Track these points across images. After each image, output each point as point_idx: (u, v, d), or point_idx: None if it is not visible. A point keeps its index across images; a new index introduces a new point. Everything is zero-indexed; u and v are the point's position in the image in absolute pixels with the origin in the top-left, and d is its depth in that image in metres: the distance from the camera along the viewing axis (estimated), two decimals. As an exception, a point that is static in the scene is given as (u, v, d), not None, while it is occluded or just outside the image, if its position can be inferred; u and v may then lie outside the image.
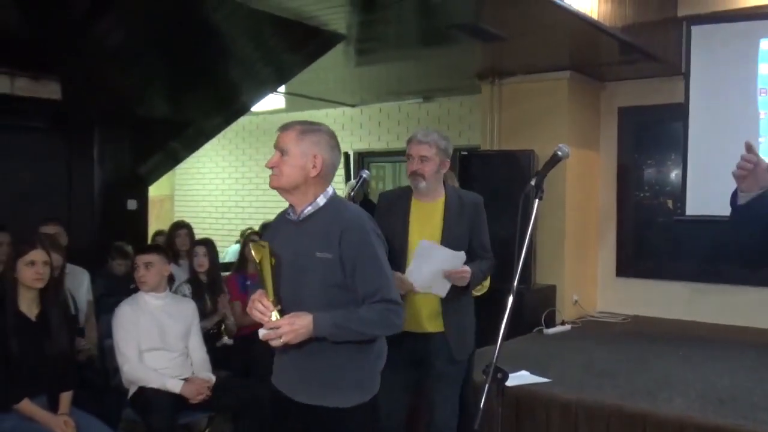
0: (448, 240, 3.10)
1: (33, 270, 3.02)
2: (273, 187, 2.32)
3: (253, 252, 2.22)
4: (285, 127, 2.34)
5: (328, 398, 2.27)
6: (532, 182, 2.20)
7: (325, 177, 2.32)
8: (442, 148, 3.11)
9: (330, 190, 2.35)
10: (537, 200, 2.19)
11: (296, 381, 2.32)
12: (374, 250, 2.27)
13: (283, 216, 2.42)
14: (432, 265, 3.01)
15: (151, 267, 3.60)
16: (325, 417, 2.28)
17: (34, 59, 4.73)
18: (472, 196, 3.26)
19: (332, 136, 2.35)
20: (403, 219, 3.14)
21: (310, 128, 2.32)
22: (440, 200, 3.16)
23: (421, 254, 3.01)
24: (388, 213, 3.18)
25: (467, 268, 3.04)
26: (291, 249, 2.29)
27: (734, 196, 2.10)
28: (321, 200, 2.32)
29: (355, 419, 2.28)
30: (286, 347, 2.22)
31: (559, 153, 2.27)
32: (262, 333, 2.19)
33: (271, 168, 2.30)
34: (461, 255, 3.04)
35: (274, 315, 2.18)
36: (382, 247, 2.32)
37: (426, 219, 3.15)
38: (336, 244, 2.23)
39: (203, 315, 4.16)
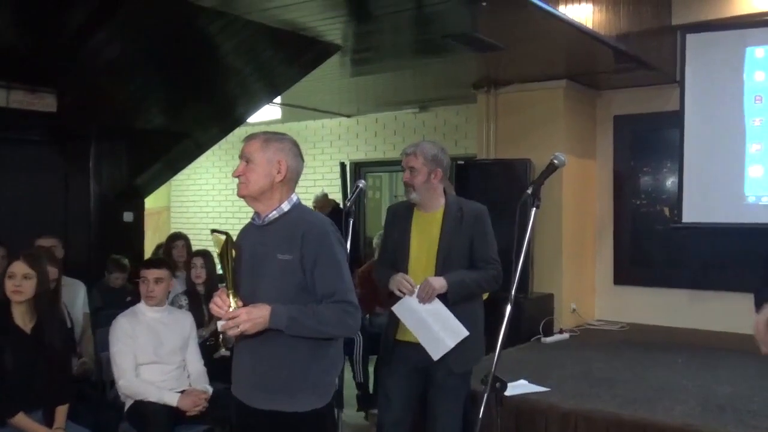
0: (445, 251, 3.09)
1: (11, 282, 3.00)
2: (241, 196, 2.40)
3: (213, 243, 2.29)
4: (249, 138, 2.43)
5: (285, 403, 2.30)
6: (529, 191, 2.20)
7: (289, 183, 2.40)
8: (429, 159, 3.11)
9: (294, 197, 2.43)
10: (534, 209, 2.19)
11: (253, 387, 2.35)
12: (334, 251, 2.33)
13: (249, 223, 2.50)
14: (426, 317, 3.04)
15: (160, 282, 3.61)
16: (282, 422, 2.30)
17: (30, 72, 4.73)
18: (474, 206, 3.23)
19: (295, 144, 2.45)
20: (405, 230, 3.17)
21: (273, 136, 2.41)
22: (439, 211, 3.16)
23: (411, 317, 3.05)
24: (392, 225, 3.23)
25: (430, 283, 3.03)
26: (253, 251, 2.37)
27: None
28: (285, 206, 2.39)
29: (311, 424, 2.32)
30: (245, 349, 2.33)
31: (556, 162, 2.27)
32: (220, 324, 2.26)
33: (237, 177, 2.37)
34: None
35: (233, 305, 2.25)
36: (343, 253, 2.38)
37: (425, 230, 3.15)
38: (297, 246, 2.30)
39: (200, 326, 4.15)
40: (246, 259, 2.37)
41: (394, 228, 3.21)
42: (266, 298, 2.27)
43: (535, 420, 3.62)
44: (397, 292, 3.06)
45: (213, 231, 2.32)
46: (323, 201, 7.45)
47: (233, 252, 2.28)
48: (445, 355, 3.06)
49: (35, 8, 4.14)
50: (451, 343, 3.03)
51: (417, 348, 3.07)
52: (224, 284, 2.31)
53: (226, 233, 2.30)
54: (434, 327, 3.03)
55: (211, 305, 2.31)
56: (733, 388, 4.00)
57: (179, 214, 10.61)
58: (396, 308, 3.09)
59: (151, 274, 3.61)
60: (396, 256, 3.15)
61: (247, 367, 2.36)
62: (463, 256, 3.11)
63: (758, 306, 2.07)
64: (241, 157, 2.38)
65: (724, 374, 4.39)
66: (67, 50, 4.55)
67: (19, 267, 3.03)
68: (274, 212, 2.38)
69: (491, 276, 3.15)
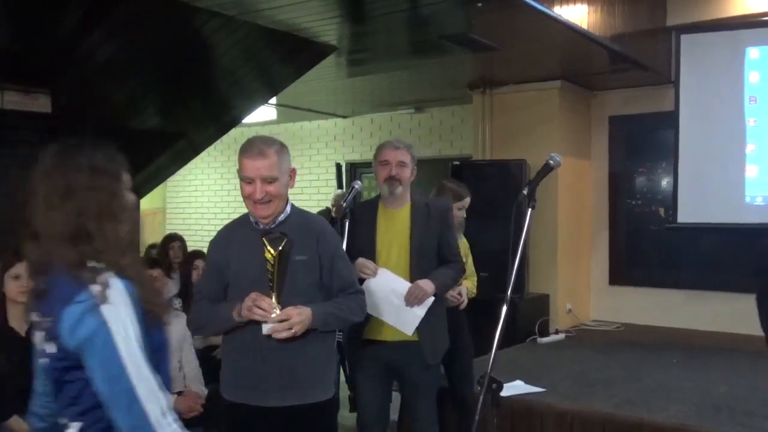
0: (416, 246, 3.14)
1: (17, 284, 2.99)
2: (267, 216, 2.39)
3: (269, 246, 2.26)
4: (260, 153, 2.36)
5: (306, 395, 2.39)
6: (524, 192, 2.19)
7: None
8: (414, 156, 3.23)
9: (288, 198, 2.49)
10: (530, 209, 2.18)
11: (270, 387, 2.37)
12: (342, 248, 2.62)
13: (242, 226, 2.50)
14: (390, 296, 3.06)
15: (157, 281, 3.62)
16: (301, 415, 2.36)
17: (25, 73, 4.70)
18: (440, 202, 3.36)
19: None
20: (371, 227, 3.20)
21: (280, 146, 2.42)
22: (406, 207, 3.21)
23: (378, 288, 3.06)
24: (359, 223, 3.24)
25: (422, 287, 3.05)
26: (262, 256, 2.35)
27: None
28: (288, 208, 2.46)
29: (328, 412, 2.49)
30: (252, 352, 2.37)
31: (551, 162, 2.27)
32: (267, 328, 2.27)
33: (261, 200, 2.36)
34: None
35: (277, 310, 2.28)
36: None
37: (393, 225, 3.19)
38: (313, 246, 2.39)
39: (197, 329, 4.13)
40: (251, 264, 2.38)
41: (361, 226, 3.22)
42: (287, 300, 2.32)
43: (531, 420, 3.62)
44: (362, 275, 3.07)
45: (266, 233, 2.29)
46: (339, 200, 7.42)
47: (282, 256, 2.30)
48: (417, 348, 3.11)
49: (29, 8, 4.13)
50: (421, 313, 3.07)
51: (387, 346, 3.13)
52: (270, 288, 2.30)
53: (285, 235, 2.30)
54: (399, 302, 3.06)
55: (254, 310, 2.29)
56: (728, 389, 4.01)
57: (174, 215, 10.58)
58: None
59: (157, 273, 3.62)
60: (363, 253, 3.15)
61: (259, 369, 2.37)
62: (433, 251, 3.18)
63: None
64: (254, 176, 2.35)
65: (719, 374, 4.40)
66: (61, 50, 4.53)
67: (25, 268, 3.02)
68: (282, 216, 2.43)
69: (459, 271, 3.30)
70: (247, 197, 2.42)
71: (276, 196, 2.37)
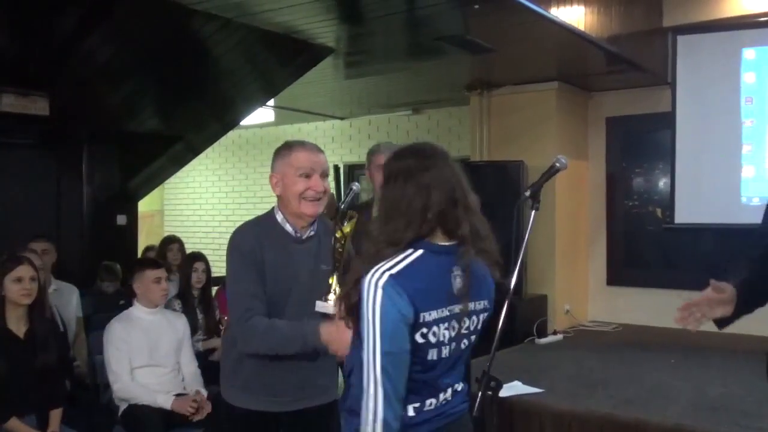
0: None
1: (20, 286, 3.00)
2: (315, 215, 2.33)
3: (345, 228, 2.19)
4: (317, 149, 2.36)
5: (332, 393, 2.43)
6: (527, 193, 2.19)
7: None
8: None
9: None
10: (533, 211, 2.18)
11: (298, 390, 2.35)
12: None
13: (269, 233, 2.33)
14: None
15: (163, 281, 3.64)
16: (325, 412, 2.37)
17: (23, 76, 4.71)
18: None
19: None
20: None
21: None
22: None
23: None
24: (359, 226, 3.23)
25: None
26: (300, 266, 2.32)
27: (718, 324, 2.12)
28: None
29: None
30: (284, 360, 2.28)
31: (558, 164, 2.25)
32: (321, 306, 2.26)
33: (323, 192, 2.32)
34: None
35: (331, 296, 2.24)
36: None
37: None
38: (330, 256, 2.29)
39: (194, 332, 4.14)
40: (304, 277, 2.32)
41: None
42: (313, 309, 2.28)
43: (529, 421, 3.63)
44: None
45: (343, 212, 2.26)
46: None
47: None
48: None
49: (27, 11, 4.13)
50: None
51: None
52: (333, 271, 2.22)
53: (355, 215, 2.26)
54: None
55: (335, 341, 2.12)
56: (725, 389, 4.02)
57: (173, 217, 10.58)
58: None
59: (162, 273, 3.64)
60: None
61: (280, 375, 2.33)
62: None
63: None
64: (311, 171, 2.29)
65: (716, 374, 4.41)
66: (59, 53, 4.54)
67: (27, 270, 3.04)
68: (315, 224, 2.38)
69: None
70: (300, 193, 2.27)
71: (327, 191, 2.35)
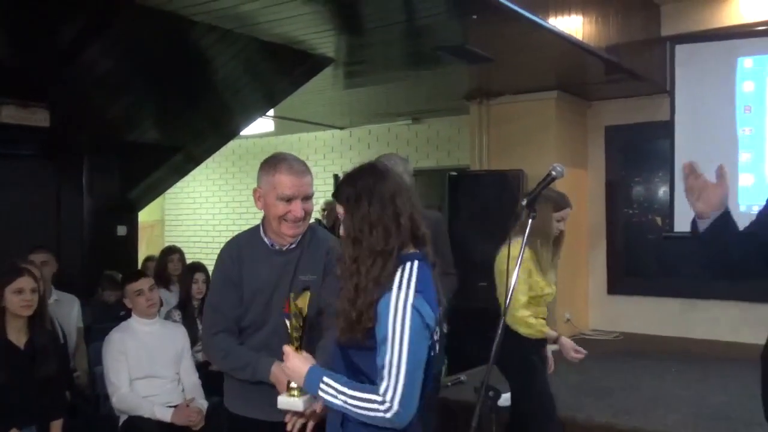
0: None
1: (20, 298, 3.00)
2: (296, 236, 2.30)
3: (299, 302, 2.05)
4: (302, 172, 2.29)
5: None
6: (524, 202, 2.19)
7: None
8: (408, 171, 3.19)
9: None
10: (530, 220, 2.18)
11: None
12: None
13: (251, 245, 2.36)
14: None
15: (154, 289, 3.63)
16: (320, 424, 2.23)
17: (23, 87, 4.73)
18: (434, 214, 3.31)
19: None
20: None
21: (305, 164, 2.34)
22: None
23: None
24: None
25: None
26: (278, 276, 2.31)
27: (694, 223, 2.11)
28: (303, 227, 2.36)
29: None
30: None
31: (554, 173, 2.25)
32: (282, 402, 2.11)
33: (303, 218, 2.28)
34: None
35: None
36: None
37: None
38: (321, 264, 2.29)
39: (194, 343, 4.13)
40: (283, 288, 2.28)
41: None
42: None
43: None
44: None
45: (303, 290, 2.11)
46: (332, 205, 7.46)
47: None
48: None
49: (28, 23, 4.16)
50: None
51: None
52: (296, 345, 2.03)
53: (308, 289, 2.13)
54: None
55: (281, 384, 2.16)
56: (726, 397, 4.02)
57: (173, 227, 10.59)
58: None
59: (145, 283, 3.62)
60: None
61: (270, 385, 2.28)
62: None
63: None
64: (293, 196, 2.24)
65: (717, 383, 4.40)
66: (59, 64, 4.55)
67: (27, 282, 3.03)
68: (299, 236, 2.34)
69: (453, 285, 3.22)
70: (280, 216, 2.26)
71: (309, 214, 2.30)
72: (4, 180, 5.37)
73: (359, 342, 1.77)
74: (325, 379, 1.80)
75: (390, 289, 1.74)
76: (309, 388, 1.85)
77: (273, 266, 2.33)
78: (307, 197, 2.28)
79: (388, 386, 1.71)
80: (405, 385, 1.71)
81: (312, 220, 2.49)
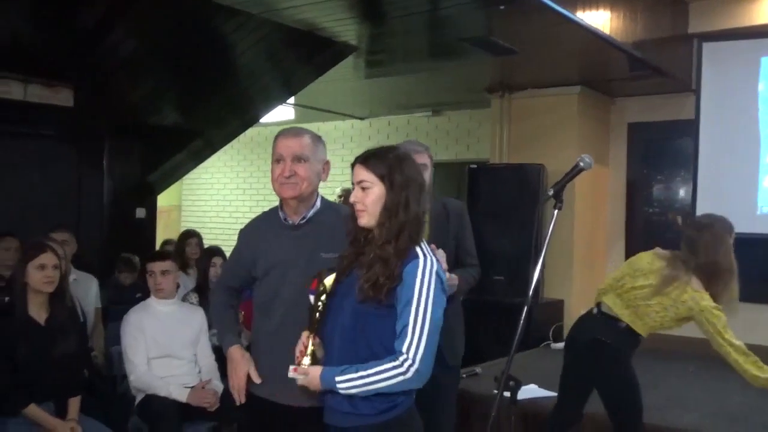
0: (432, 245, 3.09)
1: (43, 273, 3.02)
2: (292, 197, 2.32)
3: (326, 281, 2.04)
4: (295, 133, 2.37)
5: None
6: (550, 192, 2.17)
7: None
8: (431, 158, 3.17)
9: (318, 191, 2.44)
10: (556, 210, 2.16)
11: (299, 389, 2.20)
12: None
13: (268, 222, 2.43)
14: None
15: (167, 275, 3.63)
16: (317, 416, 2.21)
17: (48, 66, 4.76)
18: (457, 203, 3.27)
19: None
20: None
21: (317, 136, 2.41)
22: None
23: None
24: None
25: (454, 276, 3.00)
26: (293, 253, 2.32)
27: None
28: (318, 203, 2.40)
29: None
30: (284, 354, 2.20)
31: (582, 164, 2.24)
32: (291, 372, 2.06)
33: (288, 177, 2.30)
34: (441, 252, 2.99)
35: (310, 348, 2.04)
36: None
37: None
38: (343, 244, 2.23)
39: (210, 324, 4.14)
40: (292, 263, 2.31)
41: None
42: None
43: (545, 424, 3.59)
44: None
45: (327, 270, 2.09)
46: (349, 192, 7.47)
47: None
48: (439, 350, 3.06)
49: (53, 3, 4.17)
50: None
51: None
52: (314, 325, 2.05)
53: (333, 270, 2.09)
54: None
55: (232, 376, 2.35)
56: (744, 398, 3.97)
57: (190, 212, 10.64)
58: None
59: (158, 266, 3.63)
60: None
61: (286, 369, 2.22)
62: (450, 251, 3.10)
63: None
64: (284, 155, 2.30)
65: (735, 384, 4.34)
66: (84, 45, 4.58)
67: (50, 258, 3.05)
68: (311, 211, 2.36)
69: (478, 272, 3.16)
70: (275, 179, 2.34)
71: (304, 178, 2.30)
72: (26, 160, 5.42)
73: (380, 301, 1.90)
74: (337, 378, 1.91)
75: (417, 256, 1.92)
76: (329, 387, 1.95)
77: (286, 241, 2.35)
78: (299, 159, 2.30)
79: (411, 343, 1.85)
80: (426, 344, 1.86)
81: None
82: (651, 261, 3.13)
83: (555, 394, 3.84)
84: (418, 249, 1.95)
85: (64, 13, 4.27)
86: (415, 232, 1.96)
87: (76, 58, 4.73)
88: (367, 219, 2.00)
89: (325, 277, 2.04)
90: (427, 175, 3.15)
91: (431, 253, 1.98)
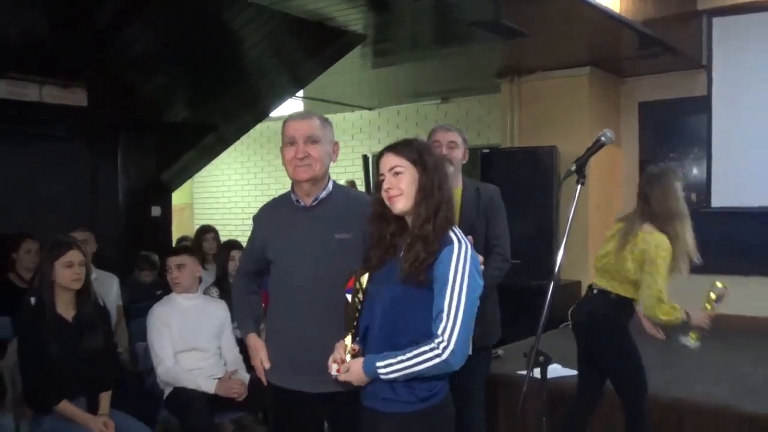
0: (464, 228, 3.09)
1: (71, 271, 3.05)
2: (307, 179, 2.34)
3: (362, 279, 2.03)
4: (304, 116, 2.40)
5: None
6: (572, 167, 2.18)
7: None
8: (466, 140, 3.22)
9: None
10: (579, 186, 2.17)
11: (317, 375, 2.23)
12: None
13: (281, 205, 2.47)
14: None
15: (183, 268, 3.64)
16: (352, 398, 2.22)
17: (62, 67, 4.79)
18: (490, 187, 3.27)
19: None
20: None
21: (324, 118, 2.43)
22: (458, 189, 3.16)
23: None
24: None
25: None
26: (307, 234, 2.35)
27: None
28: (330, 185, 2.42)
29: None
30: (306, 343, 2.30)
31: (603, 138, 2.26)
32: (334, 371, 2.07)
33: (302, 159, 2.31)
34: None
35: (349, 347, 2.04)
36: None
37: None
38: (357, 224, 2.27)
39: (232, 318, 4.17)
40: (304, 243, 2.34)
41: None
42: (327, 279, 2.25)
43: (569, 401, 3.61)
44: None
45: (356, 272, 2.06)
46: (352, 184, 7.54)
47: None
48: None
49: (66, 3, 4.20)
50: None
51: None
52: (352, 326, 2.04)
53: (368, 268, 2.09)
54: None
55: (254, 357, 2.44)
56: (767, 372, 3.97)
57: (202, 210, 10.68)
58: None
59: (173, 261, 3.66)
60: None
61: (303, 357, 2.33)
62: (481, 235, 3.10)
63: None
64: (296, 137, 2.32)
65: (758, 358, 4.36)
66: (96, 44, 4.60)
67: (76, 255, 3.08)
68: (324, 192, 2.39)
69: (502, 263, 3.14)
70: (288, 162, 2.34)
71: (317, 159, 2.31)
72: (42, 160, 5.45)
73: (421, 282, 1.94)
74: (378, 364, 1.95)
75: (451, 241, 1.96)
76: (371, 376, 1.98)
77: (299, 222, 2.38)
78: (312, 140, 2.32)
79: (446, 326, 1.89)
80: (461, 327, 1.90)
81: None
82: (613, 226, 3.34)
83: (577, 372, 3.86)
84: (452, 234, 1.98)
85: (78, 14, 4.30)
86: (450, 212, 2.02)
87: (90, 56, 4.76)
88: (404, 203, 2.01)
89: (361, 276, 2.04)
90: (459, 153, 3.16)
91: (465, 238, 2.01)
